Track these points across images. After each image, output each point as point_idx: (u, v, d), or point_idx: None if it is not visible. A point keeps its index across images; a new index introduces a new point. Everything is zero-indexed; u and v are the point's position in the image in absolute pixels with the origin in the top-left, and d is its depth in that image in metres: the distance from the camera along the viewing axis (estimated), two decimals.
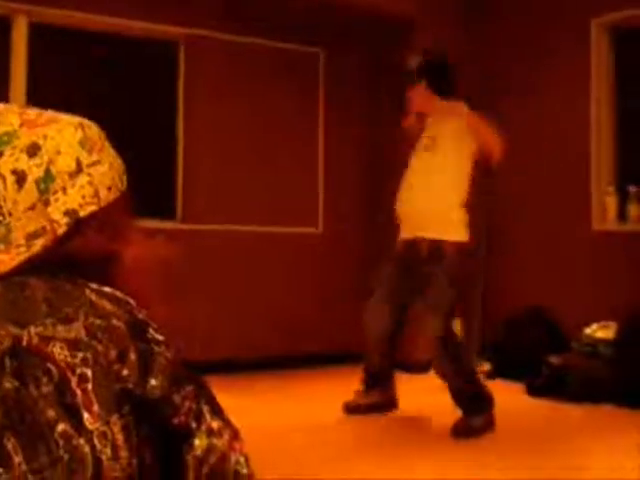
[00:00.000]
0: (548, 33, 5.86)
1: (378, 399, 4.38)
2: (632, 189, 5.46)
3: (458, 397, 3.98)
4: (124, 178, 1.09)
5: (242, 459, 0.99)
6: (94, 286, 0.98)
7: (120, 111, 5.53)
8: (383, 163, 6.24)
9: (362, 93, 6.38)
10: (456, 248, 4.08)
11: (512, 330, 5.55)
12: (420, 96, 4.23)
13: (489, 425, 3.94)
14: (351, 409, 4.33)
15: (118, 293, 0.99)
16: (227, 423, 1.00)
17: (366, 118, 6.39)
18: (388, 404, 4.40)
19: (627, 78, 5.64)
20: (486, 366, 5.47)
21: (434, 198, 4.10)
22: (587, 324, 5.16)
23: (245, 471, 0.99)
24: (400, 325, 4.34)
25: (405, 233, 4.26)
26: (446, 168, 4.11)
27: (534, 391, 4.91)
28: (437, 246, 4.09)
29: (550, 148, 5.84)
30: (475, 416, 3.92)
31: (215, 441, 0.97)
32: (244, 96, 5.90)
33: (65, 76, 5.43)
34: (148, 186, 5.33)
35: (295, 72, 6.15)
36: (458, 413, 3.94)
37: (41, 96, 5.12)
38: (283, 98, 6.06)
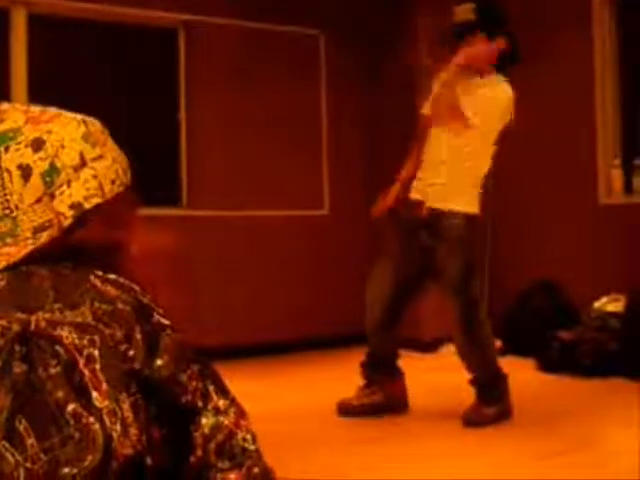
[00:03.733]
0: (549, 9, 5.83)
1: (380, 398, 3.91)
2: (638, 162, 5.44)
3: (475, 383, 3.79)
4: (128, 172, 1.12)
5: (249, 436, 1.02)
6: (99, 273, 1.01)
7: (122, 99, 5.54)
8: (386, 144, 6.24)
9: (364, 74, 6.36)
10: (462, 219, 3.70)
11: (521, 305, 5.55)
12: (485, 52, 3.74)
13: (503, 414, 3.74)
14: (344, 410, 3.87)
15: (122, 279, 1.02)
16: (233, 402, 1.03)
17: (368, 99, 6.38)
18: (393, 404, 3.91)
19: (631, 50, 5.61)
20: (497, 343, 5.48)
21: (451, 175, 3.73)
22: (596, 298, 5.17)
23: (252, 447, 1.02)
24: (405, 303, 3.93)
25: (411, 194, 3.87)
26: (474, 148, 3.74)
27: (544, 366, 4.93)
28: (438, 216, 3.72)
29: (555, 122, 5.82)
30: (489, 405, 3.73)
31: (222, 419, 1.00)
32: (245, 81, 5.89)
33: (65, 66, 5.43)
34: (152, 173, 5.35)
35: (296, 55, 6.14)
36: (468, 396, 3.86)
37: (42, 87, 5.14)
38: (285, 82, 6.06)
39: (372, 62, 6.37)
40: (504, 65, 3.85)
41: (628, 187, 5.49)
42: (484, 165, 3.83)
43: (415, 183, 3.88)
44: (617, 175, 5.53)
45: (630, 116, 5.63)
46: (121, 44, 5.63)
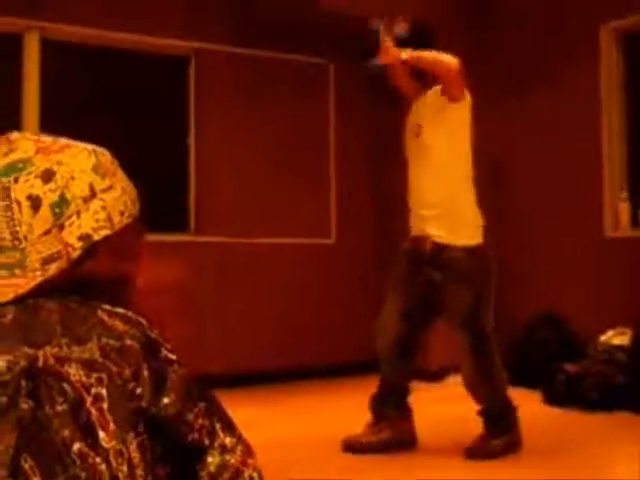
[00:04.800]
0: (557, 39, 5.86)
1: (388, 436, 3.78)
2: None
3: (484, 414, 3.72)
4: (136, 203, 1.12)
5: (255, 474, 1.01)
6: (106, 307, 1.00)
7: (132, 125, 5.57)
8: (395, 174, 6.24)
9: (373, 104, 6.39)
10: (465, 253, 3.65)
11: (527, 337, 5.53)
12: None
13: (511, 447, 3.66)
14: (350, 447, 3.73)
15: (130, 313, 1.01)
16: (240, 439, 1.02)
17: (377, 129, 6.40)
18: (400, 442, 3.78)
19: (638, 81, 5.62)
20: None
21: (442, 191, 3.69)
22: (602, 331, 5.14)
23: None
24: (414, 334, 3.83)
25: (413, 230, 3.83)
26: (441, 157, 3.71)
27: (550, 399, 4.89)
28: (441, 250, 3.67)
29: (562, 154, 5.83)
30: (497, 437, 3.66)
31: (228, 457, 0.99)
32: (255, 109, 5.93)
33: (76, 91, 5.47)
34: (161, 199, 5.36)
35: (306, 84, 6.17)
36: (475, 426, 3.82)
37: (53, 111, 5.18)
38: (294, 110, 6.09)
39: (381, 92, 6.38)
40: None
41: (635, 220, 5.48)
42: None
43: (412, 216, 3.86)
44: (624, 208, 5.51)
45: (637, 148, 5.63)
46: (133, 71, 5.67)
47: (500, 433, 3.69)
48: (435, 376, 5.60)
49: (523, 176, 5.93)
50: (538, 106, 5.96)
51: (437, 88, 3.73)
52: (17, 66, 5.22)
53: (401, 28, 3.84)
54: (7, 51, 5.21)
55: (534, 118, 5.96)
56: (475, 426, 3.77)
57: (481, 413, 3.75)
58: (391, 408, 3.85)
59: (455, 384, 5.37)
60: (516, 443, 3.72)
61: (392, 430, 3.80)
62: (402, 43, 3.78)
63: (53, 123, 4.92)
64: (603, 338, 5.10)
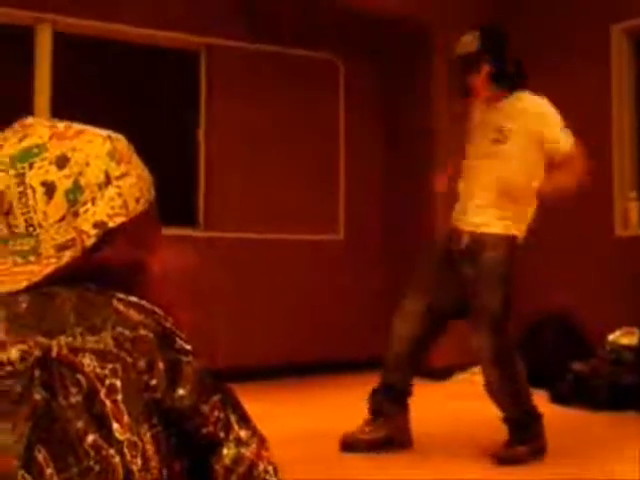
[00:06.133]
0: (568, 40, 5.83)
1: (384, 433, 3.71)
2: None
3: (509, 422, 3.61)
4: (152, 190, 1.10)
5: (270, 468, 0.99)
6: (121, 296, 0.99)
7: (142, 119, 5.56)
8: (403, 170, 6.23)
9: (382, 100, 6.37)
10: (501, 242, 3.58)
11: (535, 337, 5.51)
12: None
13: (537, 452, 3.56)
14: (348, 445, 3.67)
15: (145, 302, 1.00)
16: (255, 432, 1.00)
17: (386, 124, 6.39)
18: (397, 439, 3.72)
19: None
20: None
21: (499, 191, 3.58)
22: (611, 330, 5.11)
23: (274, 479, 0.99)
24: (431, 335, 3.77)
25: (450, 224, 3.76)
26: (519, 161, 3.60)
27: (558, 398, 4.87)
28: (477, 239, 3.59)
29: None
30: (522, 445, 3.55)
31: (243, 450, 0.97)
32: (265, 104, 5.91)
33: (88, 85, 5.47)
34: (170, 194, 5.35)
35: (316, 80, 6.16)
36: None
37: (65, 105, 5.17)
38: (304, 106, 6.07)
39: (391, 87, 6.37)
40: (514, 84, 3.74)
41: None
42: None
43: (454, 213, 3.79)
44: (634, 207, 5.49)
45: None
46: (144, 65, 5.67)
47: (526, 440, 3.59)
48: (441, 374, 5.58)
49: None
50: None
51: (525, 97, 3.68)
52: (29, 59, 5.21)
53: (464, 46, 3.70)
54: (19, 44, 5.21)
55: None
56: (484, 425, 3.75)
57: (505, 420, 3.64)
58: (390, 405, 3.77)
59: (461, 382, 5.37)
60: (542, 449, 3.62)
61: (388, 428, 3.73)
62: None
63: (64, 116, 4.86)
64: (611, 337, 5.08)
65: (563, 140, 3.61)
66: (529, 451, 3.57)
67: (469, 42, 3.69)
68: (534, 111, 3.64)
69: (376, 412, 3.78)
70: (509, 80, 3.71)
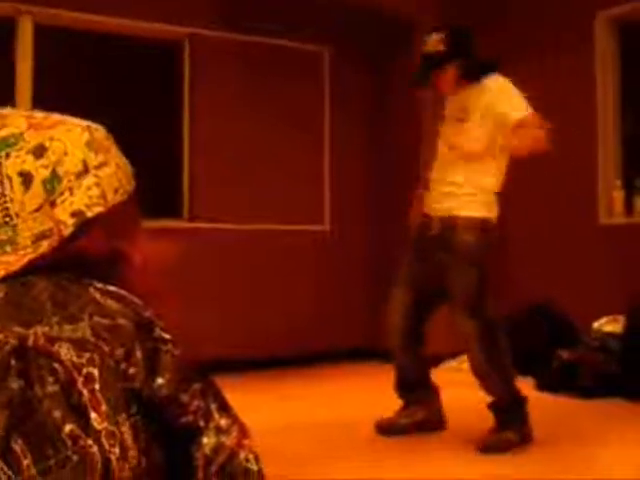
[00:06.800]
0: (552, 28, 5.84)
1: (422, 416, 3.84)
2: (639, 182, 5.44)
3: (495, 408, 3.63)
4: (132, 180, 1.09)
5: (251, 456, 0.99)
6: (99, 285, 0.98)
7: (125, 111, 5.53)
8: (388, 160, 6.24)
9: (367, 91, 6.37)
10: (472, 224, 3.63)
11: (521, 325, 5.52)
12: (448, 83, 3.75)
13: (524, 439, 3.58)
14: (385, 428, 3.79)
15: (123, 292, 0.99)
16: (235, 420, 1.00)
17: (371, 116, 6.38)
18: (434, 420, 3.85)
19: (633, 71, 5.61)
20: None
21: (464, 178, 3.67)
22: (596, 318, 5.14)
23: (255, 468, 0.98)
24: (421, 318, 3.85)
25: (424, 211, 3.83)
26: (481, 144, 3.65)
27: (543, 386, 4.89)
28: (448, 224, 3.66)
29: (556, 142, 5.80)
30: (509, 430, 3.57)
31: (224, 439, 0.97)
32: (249, 95, 5.89)
33: (70, 76, 5.44)
34: (154, 185, 5.33)
35: (300, 71, 6.14)
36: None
37: (46, 96, 5.13)
38: (288, 97, 6.06)
39: (376, 79, 6.36)
40: (480, 75, 3.77)
41: (629, 208, 5.47)
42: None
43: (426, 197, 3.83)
44: (618, 196, 5.51)
45: (631, 137, 5.62)
46: (126, 56, 5.63)
47: (512, 425, 3.60)
48: (430, 362, 5.57)
49: (516, 164, 5.90)
50: (532, 94, 5.94)
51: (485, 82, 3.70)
52: (10, 50, 5.17)
53: (432, 45, 3.74)
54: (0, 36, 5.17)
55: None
56: (473, 412, 3.76)
57: (492, 406, 3.66)
58: (418, 393, 3.88)
59: (451, 370, 5.38)
60: (528, 435, 3.63)
61: (424, 411, 3.85)
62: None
63: (46, 108, 4.85)
64: (596, 325, 5.11)
65: (515, 110, 3.67)
66: (516, 437, 3.58)
67: (437, 42, 3.74)
68: (492, 87, 3.71)
69: (406, 402, 3.88)
70: (475, 75, 3.76)
